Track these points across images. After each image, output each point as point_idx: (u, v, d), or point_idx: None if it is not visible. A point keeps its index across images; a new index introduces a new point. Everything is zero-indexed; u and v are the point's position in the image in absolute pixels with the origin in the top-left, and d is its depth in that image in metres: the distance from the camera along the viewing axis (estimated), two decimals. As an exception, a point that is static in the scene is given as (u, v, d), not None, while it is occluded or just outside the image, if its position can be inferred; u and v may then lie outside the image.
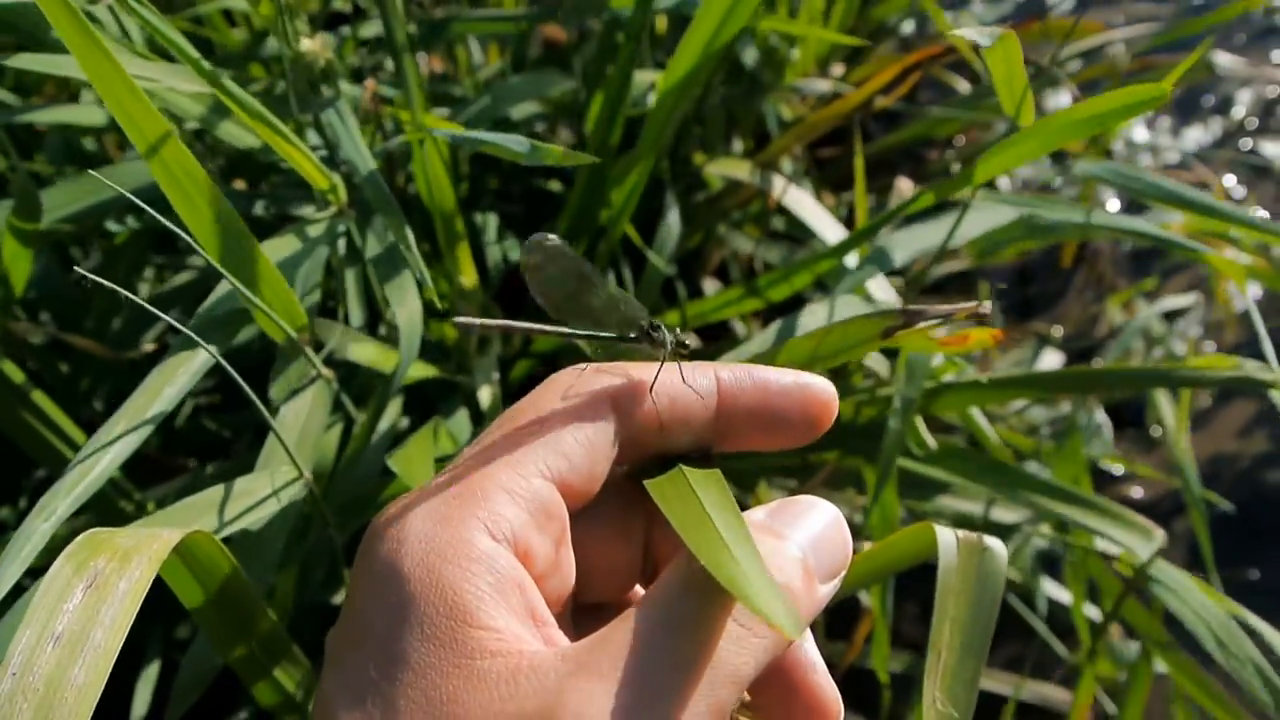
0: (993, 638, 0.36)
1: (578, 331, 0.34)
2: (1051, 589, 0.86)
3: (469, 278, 0.68)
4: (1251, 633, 0.57)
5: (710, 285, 1.02)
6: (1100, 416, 0.95)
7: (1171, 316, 1.18)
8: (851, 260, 0.71)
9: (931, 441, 0.63)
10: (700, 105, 0.94)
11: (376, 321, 0.70)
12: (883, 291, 0.69)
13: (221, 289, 0.51)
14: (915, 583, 0.91)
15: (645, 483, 0.30)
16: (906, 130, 1.20)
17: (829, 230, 0.78)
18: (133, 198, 0.39)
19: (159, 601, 0.42)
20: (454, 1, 0.97)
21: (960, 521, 0.66)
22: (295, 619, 0.60)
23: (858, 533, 0.65)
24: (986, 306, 0.38)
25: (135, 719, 0.60)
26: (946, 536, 0.38)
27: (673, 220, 0.78)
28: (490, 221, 0.83)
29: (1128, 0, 1.58)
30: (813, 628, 0.30)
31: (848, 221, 1.04)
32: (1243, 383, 0.56)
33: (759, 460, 0.68)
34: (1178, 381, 0.62)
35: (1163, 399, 0.99)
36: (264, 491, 0.47)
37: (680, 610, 0.26)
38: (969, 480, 0.62)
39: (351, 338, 0.58)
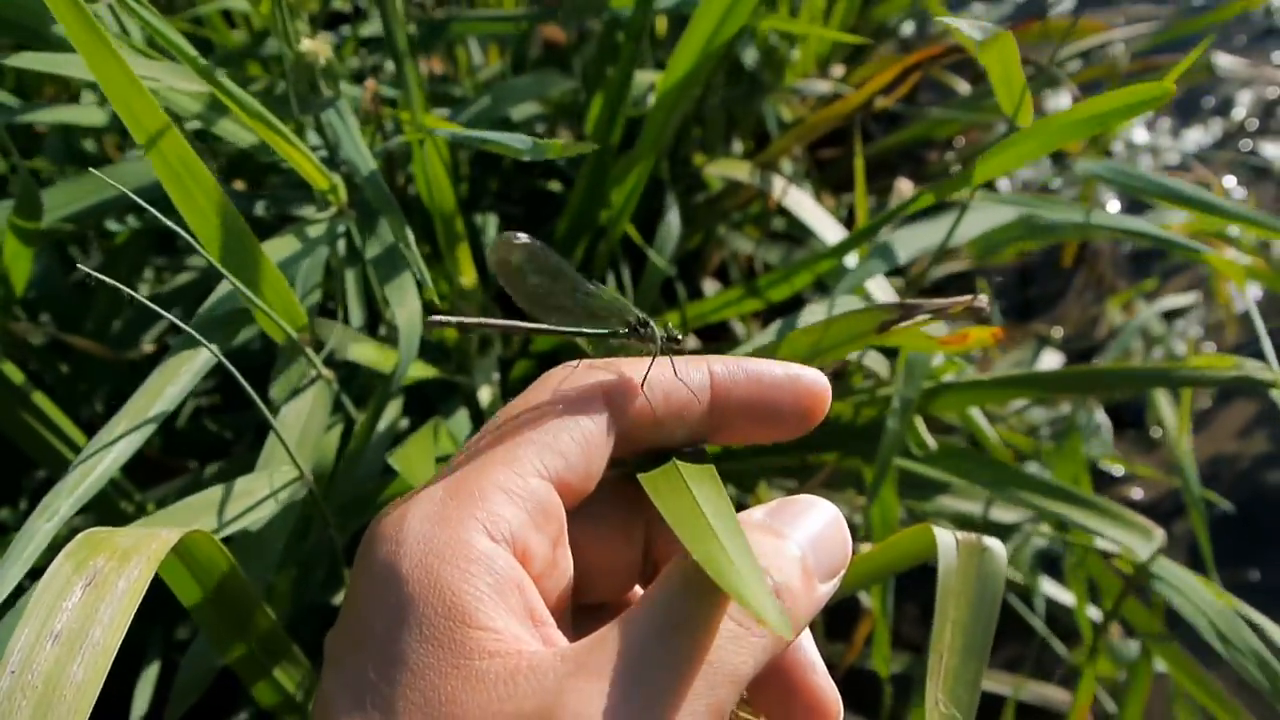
0: (993, 638, 0.36)
1: (557, 328, 0.34)
2: (1051, 589, 0.86)
3: (469, 278, 0.68)
4: (1252, 627, 0.57)
5: (710, 286, 1.02)
6: (1100, 417, 0.95)
7: (1171, 317, 1.18)
8: (851, 261, 0.71)
9: (931, 441, 0.63)
10: (700, 106, 0.94)
11: (376, 322, 0.70)
12: (882, 292, 0.69)
13: (222, 289, 0.51)
14: (915, 584, 0.92)
15: (639, 476, 0.30)
16: (907, 131, 1.21)
17: (829, 231, 0.78)
18: (135, 197, 0.39)
19: (160, 604, 0.42)
20: (454, 2, 0.97)
21: (960, 521, 0.66)
22: (295, 619, 0.60)
23: (857, 533, 0.65)
24: (982, 300, 0.38)
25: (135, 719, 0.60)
26: (946, 538, 0.38)
27: (673, 221, 0.78)
28: (490, 222, 0.83)
29: (1127, 1, 1.58)
30: (812, 628, 0.30)
31: (848, 223, 1.04)
32: (1243, 382, 0.56)
33: (759, 461, 0.68)
34: (1177, 381, 0.62)
35: (1163, 399, 0.99)
36: (264, 491, 0.47)
37: (679, 610, 0.26)
38: (968, 480, 0.62)
39: (351, 338, 0.58)
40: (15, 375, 0.58)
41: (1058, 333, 1.21)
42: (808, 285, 0.73)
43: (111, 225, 0.71)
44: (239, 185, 0.78)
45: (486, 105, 0.74)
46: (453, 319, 0.33)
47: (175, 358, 0.46)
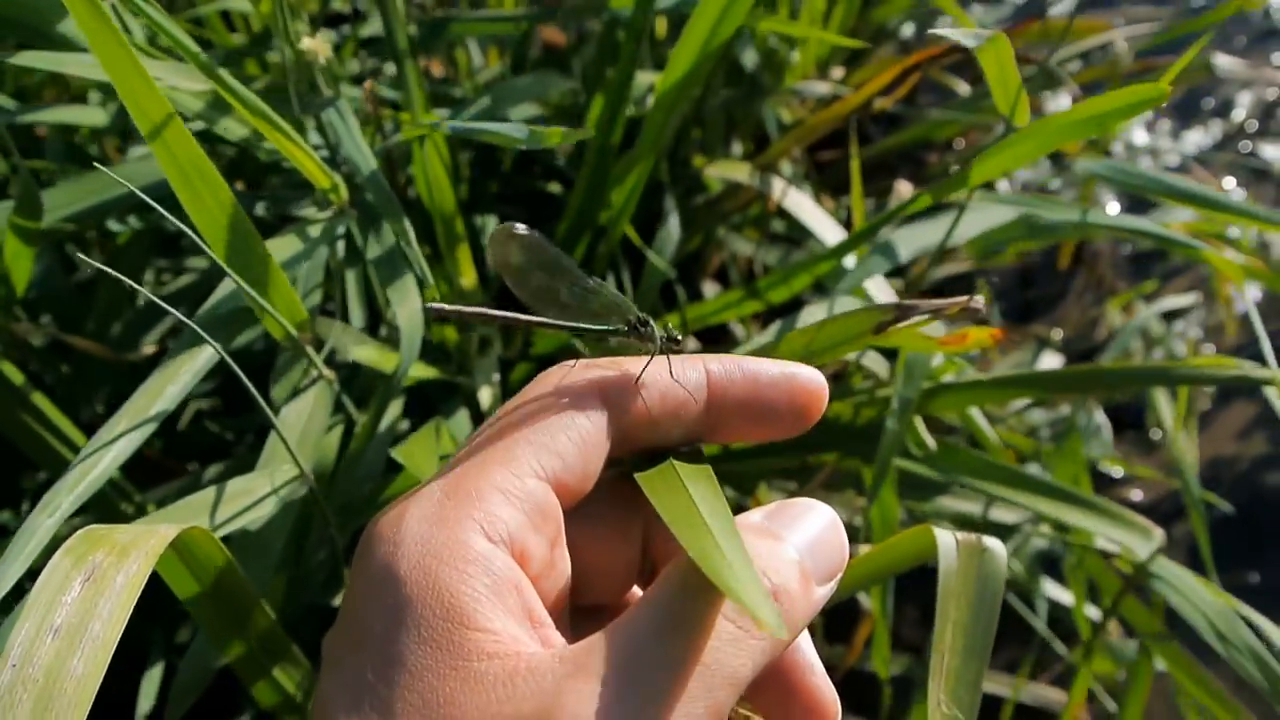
0: (994, 639, 0.36)
1: (556, 321, 0.34)
2: (1051, 589, 0.86)
3: (469, 279, 0.68)
4: (1251, 627, 0.57)
5: (710, 288, 1.02)
6: (1100, 418, 0.95)
7: (1171, 319, 1.18)
8: (850, 263, 0.71)
9: (931, 442, 0.63)
10: (700, 108, 0.94)
11: (377, 324, 0.70)
12: (882, 293, 0.69)
13: (224, 289, 0.51)
14: (914, 585, 0.92)
15: (636, 475, 0.30)
16: (906, 133, 1.21)
17: (828, 233, 0.79)
18: (140, 194, 0.39)
19: (161, 606, 0.42)
20: (454, 4, 0.97)
21: (960, 522, 0.66)
22: (295, 620, 0.60)
23: (857, 534, 0.65)
24: (979, 301, 0.39)
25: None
26: (946, 539, 0.38)
27: (672, 223, 0.78)
28: (490, 223, 0.83)
29: (1127, 3, 1.58)
30: (812, 631, 0.31)
31: (847, 225, 1.04)
32: (1241, 381, 0.56)
33: (758, 462, 0.68)
34: (1176, 380, 0.62)
35: (1162, 401, 0.99)
36: (264, 490, 0.47)
37: (677, 612, 0.26)
38: (968, 480, 0.62)
39: (353, 338, 0.59)
40: (15, 376, 0.58)
41: (1057, 335, 1.21)
42: (807, 287, 0.73)
43: (113, 225, 0.71)
44: (239, 186, 0.78)
45: (486, 106, 0.74)
46: (452, 308, 0.34)
47: (176, 357, 0.47)
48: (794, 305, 0.72)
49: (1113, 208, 1.30)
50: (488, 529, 0.27)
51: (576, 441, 0.30)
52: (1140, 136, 1.41)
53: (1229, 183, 1.35)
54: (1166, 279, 1.27)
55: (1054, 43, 0.66)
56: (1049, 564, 0.88)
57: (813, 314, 0.61)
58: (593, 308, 0.34)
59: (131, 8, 0.46)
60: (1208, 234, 0.83)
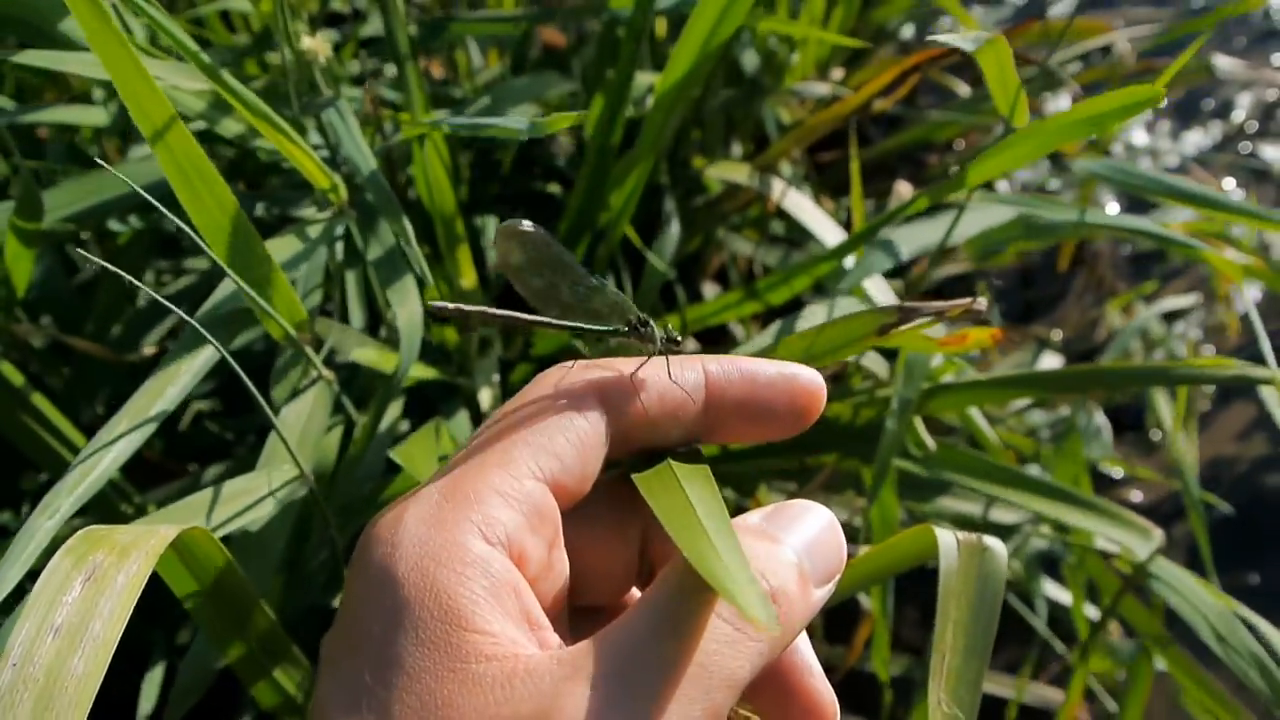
0: (994, 639, 0.36)
1: (556, 321, 0.34)
2: (1051, 589, 0.86)
3: (469, 280, 0.68)
4: (1250, 629, 0.57)
5: (710, 289, 1.02)
6: (1100, 419, 0.94)
7: (1171, 320, 1.18)
8: (850, 263, 0.71)
9: (930, 442, 0.63)
10: (699, 109, 0.94)
11: (377, 324, 0.70)
12: (882, 294, 0.69)
13: (224, 289, 0.51)
14: (914, 586, 0.92)
15: (633, 476, 0.30)
16: (906, 134, 1.21)
17: (828, 234, 0.79)
18: (143, 193, 0.39)
19: (162, 608, 0.42)
20: (454, 4, 0.97)
21: (960, 522, 0.66)
22: (295, 621, 0.60)
23: (857, 535, 0.65)
24: (981, 303, 0.39)
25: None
26: (947, 539, 0.38)
27: (672, 224, 0.78)
28: (490, 224, 0.83)
29: (1127, 4, 1.58)
30: (811, 631, 0.31)
31: (847, 226, 1.04)
32: (1240, 381, 0.56)
33: (758, 463, 0.68)
34: (1175, 379, 0.62)
35: (1162, 401, 0.99)
36: (263, 490, 0.47)
37: (675, 613, 0.26)
38: (968, 481, 0.62)
39: (353, 339, 0.59)
40: (16, 377, 0.58)
41: (1057, 335, 1.21)
42: (807, 288, 0.73)
43: (114, 225, 0.71)
44: (239, 187, 0.78)
45: (486, 106, 0.75)
46: (453, 305, 0.34)
47: (176, 358, 0.47)
48: (794, 306, 0.72)
49: (1112, 208, 1.30)
50: (486, 531, 0.27)
51: (574, 443, 0.30)
52: (1140, 137, 1.41)
53: (1229, 183, 1.35)
54: (1166, 279, 1.27)
55: (1054, 43, 0.66)
56: (1049, 564, 0.88)
57: (813, 315, 0.61)
58: (594, 306, 0.34)
59: (132, 7, 0.46)
60: (1207, 234, 0.83)
